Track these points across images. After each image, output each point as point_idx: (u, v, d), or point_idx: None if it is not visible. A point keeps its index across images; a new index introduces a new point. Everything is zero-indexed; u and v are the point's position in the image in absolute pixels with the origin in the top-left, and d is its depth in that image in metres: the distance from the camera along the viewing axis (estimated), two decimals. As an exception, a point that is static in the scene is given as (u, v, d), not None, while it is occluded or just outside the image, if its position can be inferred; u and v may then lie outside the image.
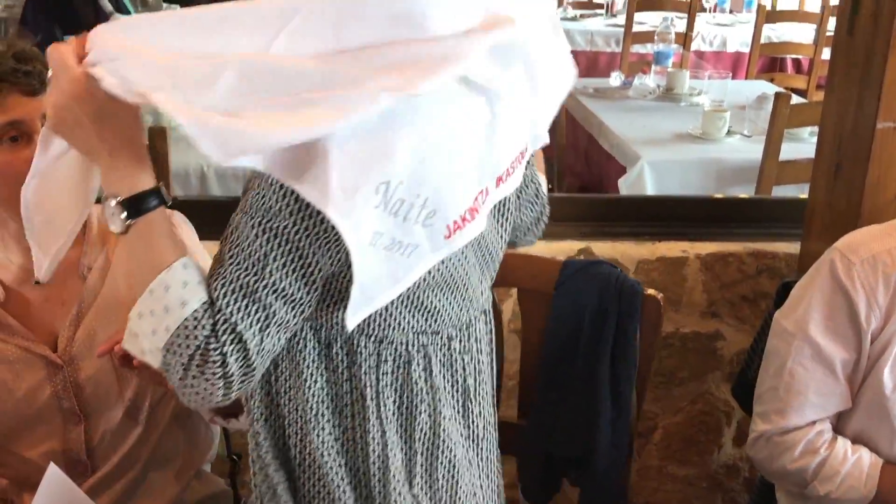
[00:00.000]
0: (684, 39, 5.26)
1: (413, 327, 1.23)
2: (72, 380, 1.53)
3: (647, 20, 5.70)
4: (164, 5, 5.55)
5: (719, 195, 2.89)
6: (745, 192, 3.01)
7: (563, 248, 2.29)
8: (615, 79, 4.07)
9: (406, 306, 1.20)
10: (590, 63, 5.72)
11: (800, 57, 5.57)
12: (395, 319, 1.21)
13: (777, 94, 2.94)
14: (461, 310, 1.27)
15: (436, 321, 1.24)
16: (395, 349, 1.24)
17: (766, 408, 1.60)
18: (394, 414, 1.26)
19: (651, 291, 1.61)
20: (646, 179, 3.00)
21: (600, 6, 6.37)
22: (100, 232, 1.57)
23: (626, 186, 3.04)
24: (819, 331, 1.54)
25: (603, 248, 2.31)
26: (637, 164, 3.03)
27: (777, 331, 1.61)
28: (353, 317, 1.10)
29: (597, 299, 1.62)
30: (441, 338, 1.27)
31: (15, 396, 1.51)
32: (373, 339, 1.22)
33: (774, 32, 5.63)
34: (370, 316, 1.14)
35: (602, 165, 3.53)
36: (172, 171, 2.54)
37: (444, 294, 1.23)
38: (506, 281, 1.35)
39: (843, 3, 2.03)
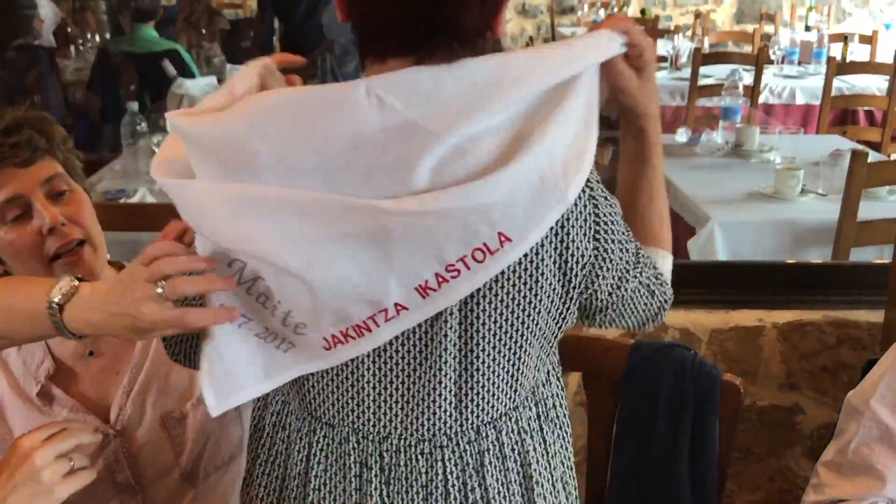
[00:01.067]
0: (752, 92, 5.14)
1: (302, 407, 1.18)
2: (125, 450, 1.48)
3: (713, 73, 5.60)
4: (228, 66, 5.64)
5: (797, 260, 2.76)
6: (821, 253, 2.87)
7: (632, 317, 2.20)
8: (682, 135, 3.97)
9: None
10: (654, 117, 5.62)
11: (872, 109, 5.40)
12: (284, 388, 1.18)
13: (854, 152, 2.82)
14: (369, 420, 1.14)
15: (322, 413, 1.16)
16: (295, 420, 1.20)
17: (820, 480, 1.48)
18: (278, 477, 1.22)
19: (729, 376, 1.51)
20: (716, 241, 2.88)
21: (664, 59, 6.28)
22: None
23: (695, 248, 2.92)
24: (889, 411, 1.43)
25: (674, 317, 2.21)
26: (707, 225, 2.92)
27: (846, 408, 1.50)
28: (220, 402, 1.09)
29: (672, 387, 1.51)
30: (336, 433, 1.17)
31: None
32: (280, 395, 1.22)
33: (845, 84, 5.49)
34: None
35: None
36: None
37: (331, 393, 1.15)
38: (568, 364, 1.24)
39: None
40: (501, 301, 1.08)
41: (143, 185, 3.02)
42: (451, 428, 1.14)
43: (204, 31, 5.91)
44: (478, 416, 1.14)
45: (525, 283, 1.08)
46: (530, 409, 1.20)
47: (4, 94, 4.55)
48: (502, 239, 1.02)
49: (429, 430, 1.14)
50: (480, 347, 1.10)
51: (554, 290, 1.11)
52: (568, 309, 1.14)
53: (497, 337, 1.10)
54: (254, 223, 0.98)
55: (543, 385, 1.23)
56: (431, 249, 1.01)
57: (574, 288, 1.12)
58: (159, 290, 1.01)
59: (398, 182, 0.97)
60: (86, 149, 4.60)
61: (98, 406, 1.49)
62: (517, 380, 1.15)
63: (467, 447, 1.15)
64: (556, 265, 1.09)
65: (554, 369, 1.26)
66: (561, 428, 1.26)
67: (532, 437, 1.20)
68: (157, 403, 1.49)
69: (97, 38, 6.03)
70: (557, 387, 1.26)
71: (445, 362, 1.10)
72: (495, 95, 0.97)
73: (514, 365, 1.13)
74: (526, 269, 1.08)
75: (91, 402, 1.49)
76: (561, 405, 1.26)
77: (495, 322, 1.09)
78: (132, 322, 1.04)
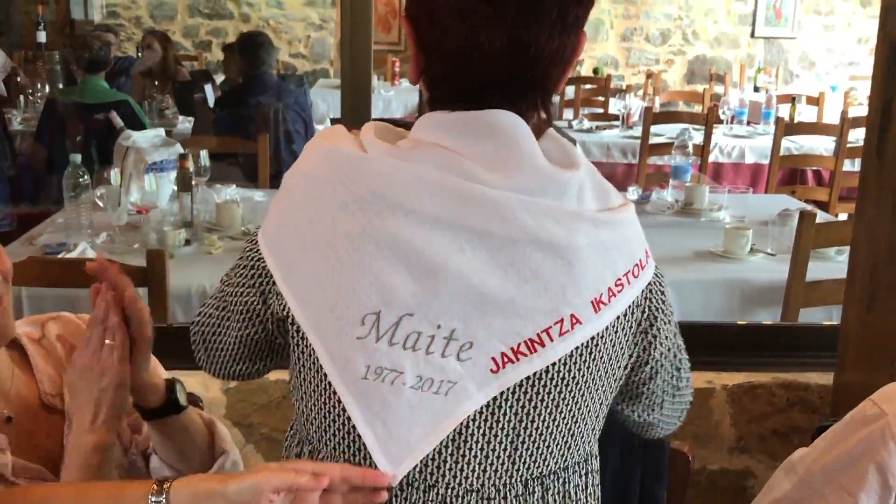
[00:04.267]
0: (702, 151, 5.20)
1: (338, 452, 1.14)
2: None
3: (664, 132, 5.68)
4: (181, 118, 5.60)
5: (746, 322, 2.76)
6: (770, 313, 2.87)
7: (581, 379, 2.16)
8: (633, 193, 3.98)
9: None
10: (607, 174, 5.61)
11: (820, 169, 5.49)
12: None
13: (802, 213, 2.84)
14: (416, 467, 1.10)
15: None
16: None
17: None
18: None
19: (677, 444, 1.47)
20: (667, 300, 2.87)
21: (616, 118, 6.36)
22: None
23: (646, 308, 2.91)
24: (827, 480, 1.38)
25: (623, 379, 2.18)
26: (657, 284, 2.90)
27: (785, 465, 1.46)
28: (396, 468, 1.05)
29: (619, 455, 1.47)
30: None
31: None
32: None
33: (794, 144, 5.58)
34: None
35: (621, 283, 3.41)
36: (172, 293, 2.45)
37: None
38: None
39: (871, 123, 1.95)
40: (589, 354, 1.09)
41: (84, 238, 2.94)
42: (500, 479, 1.10)
43: (157, 82, 5.87)
44: (528, 469, 1.11)
45: (610, 338, 1.11)
46: (580, 475, 1.18)
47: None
48: (644, 259, 1.13)
49: (478, 478, 1.09)
50: (541, 397, 1.09)
51: (629, 347, 1.14)
52: (625, 374, 1.17)
53: (561, 393, 1.09)
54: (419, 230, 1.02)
55: (593, 457, 1.22)
56: (609, 262, 1.08)
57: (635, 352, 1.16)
58: None
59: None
60: (30, 201, 4.53)
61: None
62: (574, 435, 1.13)
63: (514, 501, 1.11)
64: (637, 322, 1.13)
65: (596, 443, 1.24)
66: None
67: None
68: None
69: (47, 88, 5.96)
70: (597, 462, 1.24)
71: (503, 411, 1.08)
72: None
73: (574, 420, 1.12)
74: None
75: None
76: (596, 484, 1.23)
77: (570, 375, 1.09)
78: None
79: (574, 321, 1.05)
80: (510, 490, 1.11)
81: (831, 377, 2.12)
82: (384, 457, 1.05)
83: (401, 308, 1.02)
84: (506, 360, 1.04)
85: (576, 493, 1.16)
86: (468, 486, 1.09)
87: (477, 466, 1.09)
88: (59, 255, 2.79)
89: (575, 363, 1.07)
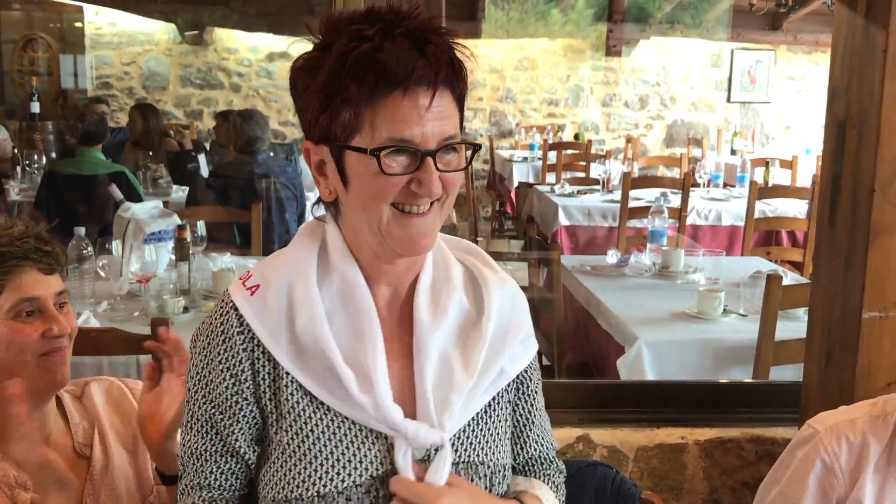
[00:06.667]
0: (679, 215, 5.39)
1: None
2: None
3: (643, 196, 5.87)
4: (175, 187, 5.76)
5: (717, 380, 2.90)
6: (743, 371, 3.01)
7: (562, 436, 2.28)
8: (611, 256, 4.15)
9: None
10: (588, 237, 5.86)
11: (795, 230, 5.68)
12: None
13: (769, 276, 2.99)
14: None
15: None
16: None
17: None
18: None
19: (647, 494, 1.60)
20: (644, 360, 3.01)
21: (596, 182, 6.56)
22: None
23: (625, 367, 3.05)
24: (777, 499, 1.59)
25: (602, 435, 2.31)
26: (635, 344, 3.04)
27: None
28: None
29: (593, 505, 1.60)
30: None
31: None
32: None
33: (769, 207, 5.77)
34: None
35: (601, 344, 3.55)
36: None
37: None
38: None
39: (823, 196, 2.12)
40: None
41: (87, 307, 3.07)
42: None
43: (151, 153, 6.04)
44: None
45: None
46: None
47: (-52, 216, 4.57)
48: None
49: None
50: None
51: None
52: None
53: None
54: None
55: None
56: None
57: None
58: None
59: None
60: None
61: None
62: None
63: None
64: None
65: None
66: None
67: None
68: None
69: (44, 159, 6.12)
70: None
71: None
72: None
73: None
74: None
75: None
76: None
77: None
78: None
79: None
80: None
81: (796, 431, 2.25)
82: None
83: None
84: None
85: None
86: None
87: None
88: (63, 324, 2.91)
89: None
